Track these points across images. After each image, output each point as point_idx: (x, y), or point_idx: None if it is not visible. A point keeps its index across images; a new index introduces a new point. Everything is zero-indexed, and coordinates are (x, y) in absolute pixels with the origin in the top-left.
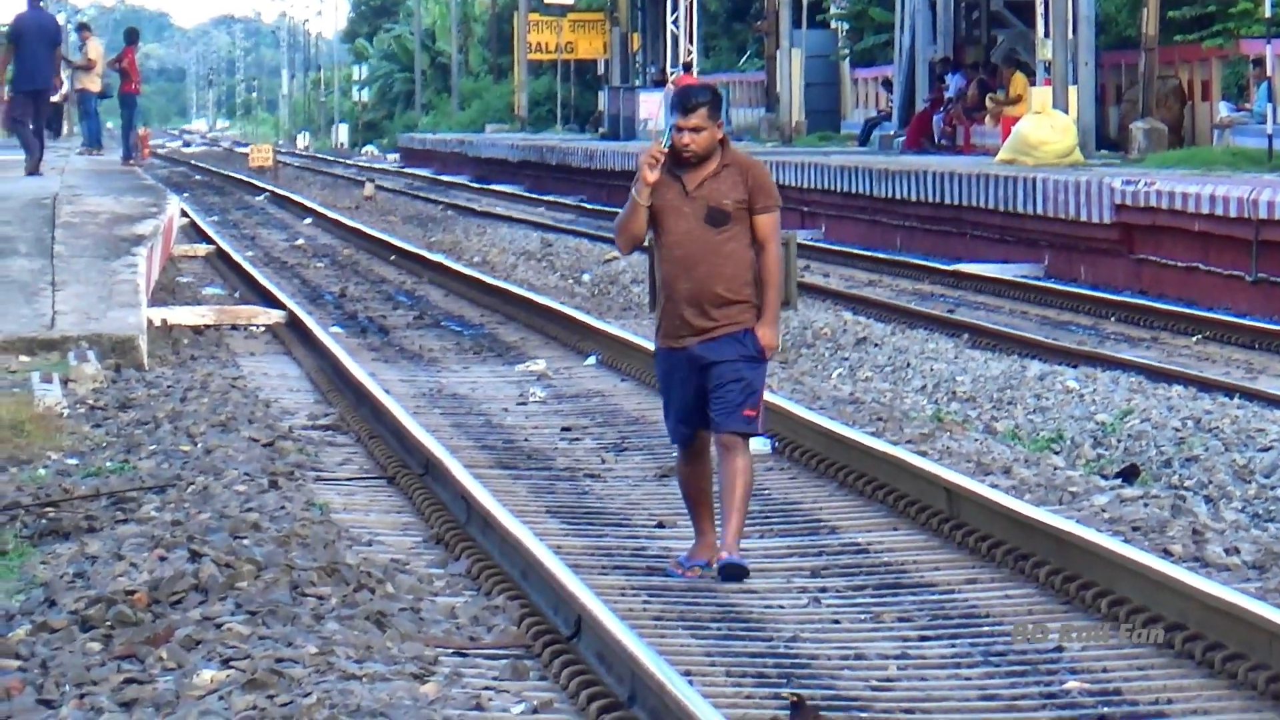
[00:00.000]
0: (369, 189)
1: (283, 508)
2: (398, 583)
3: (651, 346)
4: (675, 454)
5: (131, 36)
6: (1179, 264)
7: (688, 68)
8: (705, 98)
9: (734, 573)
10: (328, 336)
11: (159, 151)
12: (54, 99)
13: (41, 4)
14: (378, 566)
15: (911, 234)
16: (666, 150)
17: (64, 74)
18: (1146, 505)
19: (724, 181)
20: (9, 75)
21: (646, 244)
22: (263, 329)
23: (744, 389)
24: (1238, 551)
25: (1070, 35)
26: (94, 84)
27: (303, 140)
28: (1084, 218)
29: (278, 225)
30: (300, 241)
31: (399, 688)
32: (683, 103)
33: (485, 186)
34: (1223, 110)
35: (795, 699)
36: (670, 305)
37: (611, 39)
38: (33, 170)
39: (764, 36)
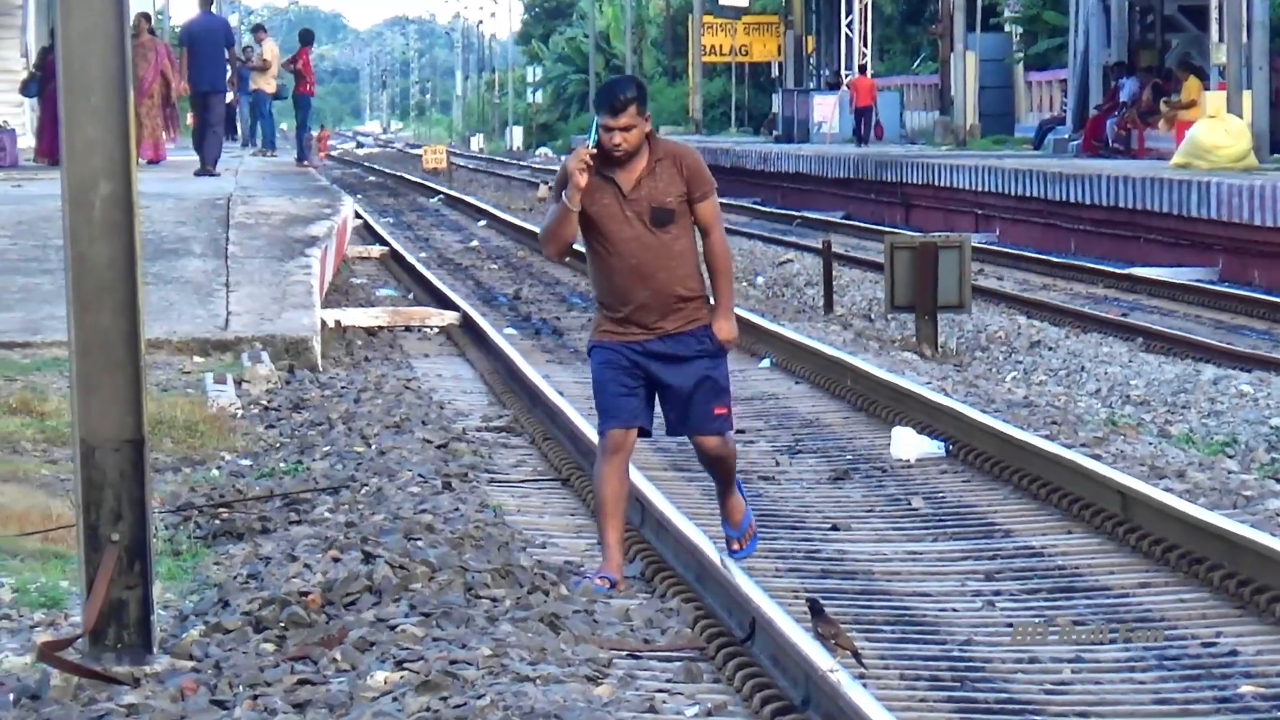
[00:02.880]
0: (543, 191)
1: (457, 509)
2: (572, 585)
3: (825, 349)
4: (599, 456)
5: (307, 38)
6: None
7: (862, 70)
8: (633, 93)
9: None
10: (502, 338)
11: (331, 153)
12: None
13: (212, 7)
14: (552, 569)
15: (1085, 237)
16: (595, 151)
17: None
18: None
19: (660, 178)
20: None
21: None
22: (436, 330)
23: (710, 389)
24: None
25: (1244, 39)
26: (269, 85)
27: (476, 142)
28: (1258, 221)
29: (451, 227)
30: (474, 243)
31: (572, 690)
32: (610, 101)
33: None
34: None
35: (812, 602)
36: (623, 312)
37: (786, 41)
38: (204, 171)
39: (938, 39)
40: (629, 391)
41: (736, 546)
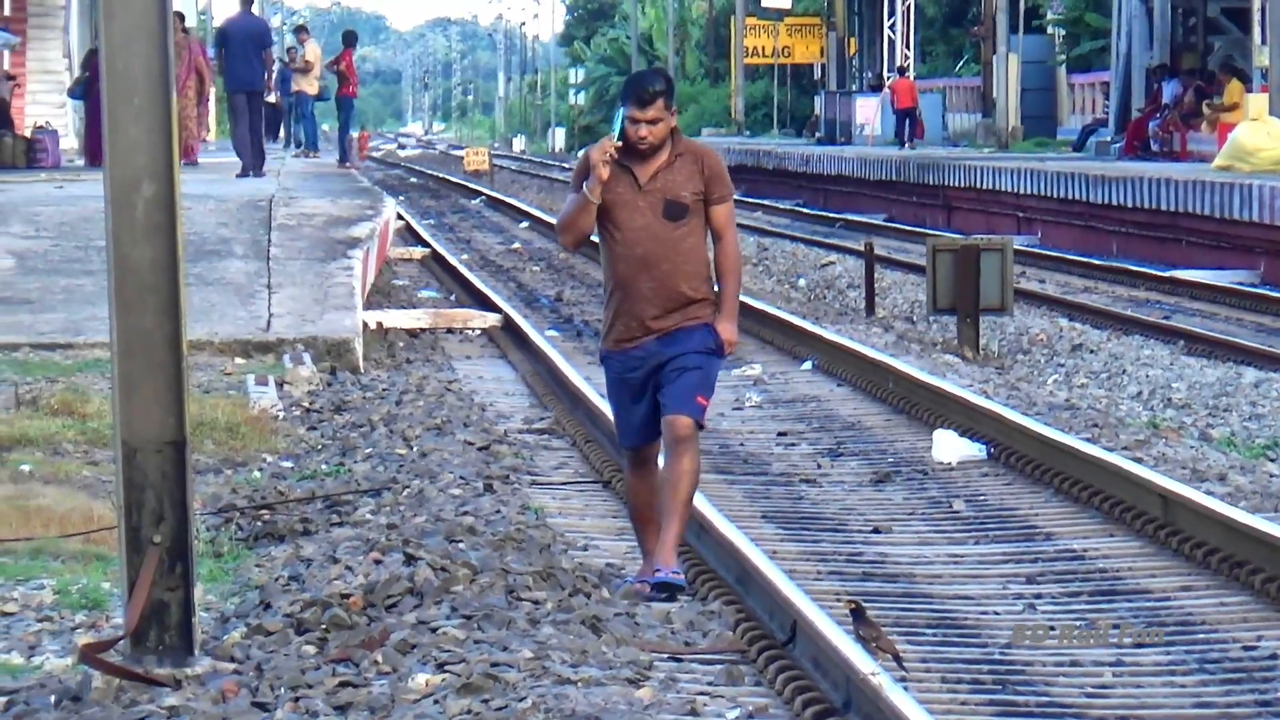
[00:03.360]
0: None
1: (498, 511)
2: (613, 588)
3: (867, 351)
4: (626, 467)
5: (350, 39)
6: None
7: (902, 72)
8: (661, 86)
9: (670, 591)
10: (543, 340)
11: (373, 155)
12: (271, 100)
13: (253, 8)
14: (593, 571)
15: (1127, 240)
16: (620, 144)
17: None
18: None
19: (679, 172)
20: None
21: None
22: (478, 332)
23: (700, 377)
24: None
25: None
26: (311, 86)
27: (518, 143)
28: None
29: (493, 229)
30: (516, 245)
31: (614, 693)
32: (638, 93)
33: None
34: None
35: (854, 605)
36: (627, 304)
37: (828, 43)
38: (244, 173)
39: (981, 41)
40: (639, 410)
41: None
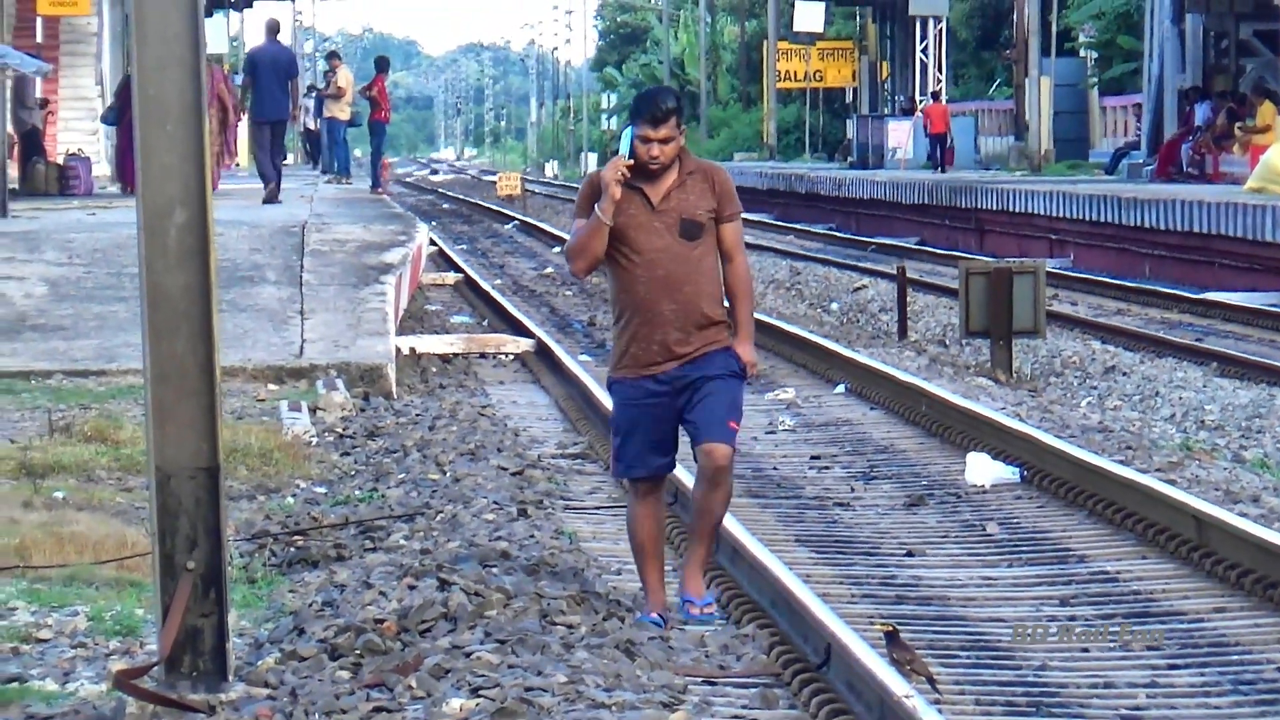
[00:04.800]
0: None
1: (532, 536)
2: (635, 619)
3: (900, 375)
4: (631, 497)
5: (383, 65)
6: None
7: (935, 96)
8: (674, 104)
9: (704, 619)
10: (576, 364)
11: (406, 180)
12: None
13: (278, 37)
14: (627, 595)
15: (1160, 262)
16: (631, 163)
17: (304, 104)
18: None
19: (691, 191)
20: (247, 104)
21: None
22: (511, 357)
23: (729, 402)
24: None
25: None
26: (343, 112)
27: (551, 169)
28: None
29: (526, 254)
30: (549, 270)
31: (648, 716)
32: (650, 111)
33: None
34: None
35: (890, 629)
36: (647, 329)
37: (860, 67)
38: (269, 199)
39: (1013, 65)
40: (655, 439)
41: (695, 611)
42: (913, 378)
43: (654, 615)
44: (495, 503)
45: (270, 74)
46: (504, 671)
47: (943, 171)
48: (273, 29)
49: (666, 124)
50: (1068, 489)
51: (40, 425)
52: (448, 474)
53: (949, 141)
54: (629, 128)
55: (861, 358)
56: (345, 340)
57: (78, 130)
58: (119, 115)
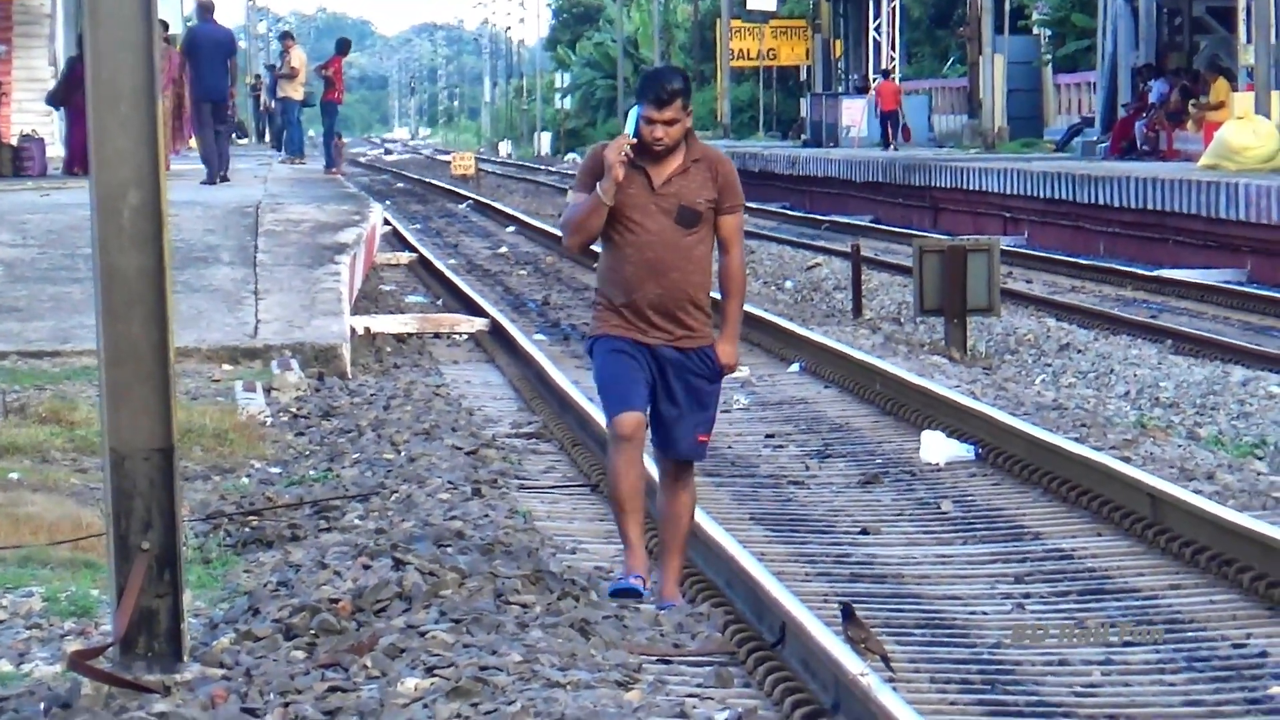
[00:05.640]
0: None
1: (486, 516)
2: (601, 590)
3: (854, 353)
4: (613, 443)
5: (343, 46)
6: None
7: (886, 74)
8: (680, 85)
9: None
10: (531, 344)
11: (360, 160)
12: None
13: (213, 17)
14: (582, 574)
15: (1114, 240)
16: (635, 142)
17: (261, 82)
18: None
19: (694, 178)
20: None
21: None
22: (465, 337)
23: (702, 417)
24: None
25: (1273, 40)
26: (297, 92)
27: (505, 148)
28: None
29: (480, 233)
30: (503, 249)
31: (603, 695)
32: (656, 92)
33: None
34: None
35: (844, 606)
36: (629, 309)
37: (814, 45)
38: (210, 180)
39: (966, 43)
40: (640, 379)
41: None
42: (867, 356)
43: (631, 580)
44: (450, 482)
45: (210, 52)
46: (459, 651)
47: (895, 150)
48: (207, 8)
49: (672, 105)
50: (1023, 467)
51: None
52: (402, 454)
53: (901, 119)
54: (635, 106)
55: (816, 336)
56: (300, 320)
57: (31, 111)
58: (64, 98)
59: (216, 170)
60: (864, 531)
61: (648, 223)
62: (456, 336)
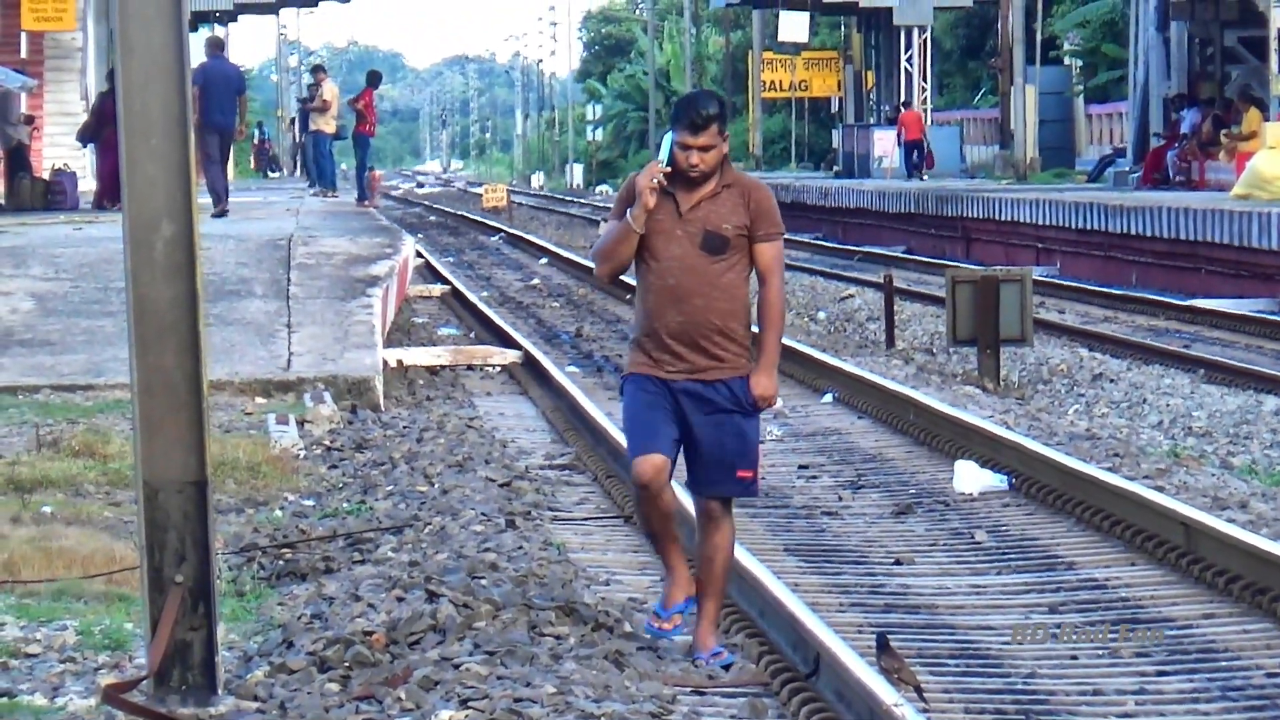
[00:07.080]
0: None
1: (520, 547)
2: (636, 622)
3: (887, 383)
4: (635, 488)
5: (374, 79)
6: None
7: (908, 105)
8: (715, 110)
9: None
10: (564, 376)
11: (391, 193)
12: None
13: (223, 53)
14: (615, 606)
15: (1146, 270)
16: (669, 170)
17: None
18: None
19: (724, 204)
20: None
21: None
22: (499, 369)
23: (738, 448)
24: None
25: None
26: (329, 125)
27: (537, 180)
28: None
29: (513, 265)
30: (535, 281)
31: None
32: (690, 117)
33: None
34: None
35: (880, 635)
36: (652, 340)
37: (845, 77)
38: (219, 214)
39: (998, 73)
40: (663, 418)
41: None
42: (900, 386)
43: (673, 614)
44: (483, 514)
45: (221, 88)
46: (493, 683)
47: (922, 179)
48: (216, 45)
49: (707, 131)
50: (1056, 496)
51: (28, 440)
52: (435, 486)
53: (925, 147)
54: (669, 133)
55: (849, 367)
56: (332, 353)
57: (63, 145)
58: (94, 134)
59: (224, 201)
60: (897, 562)
61: (671, 248)
62: (489, 369)
